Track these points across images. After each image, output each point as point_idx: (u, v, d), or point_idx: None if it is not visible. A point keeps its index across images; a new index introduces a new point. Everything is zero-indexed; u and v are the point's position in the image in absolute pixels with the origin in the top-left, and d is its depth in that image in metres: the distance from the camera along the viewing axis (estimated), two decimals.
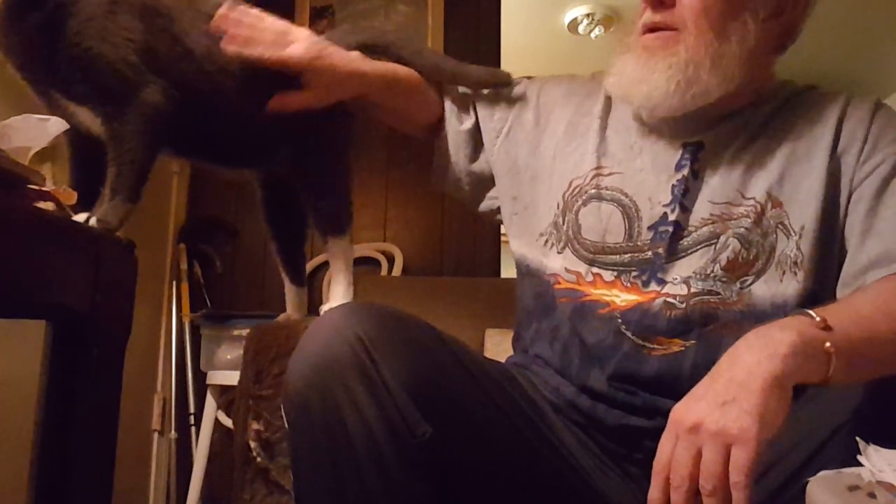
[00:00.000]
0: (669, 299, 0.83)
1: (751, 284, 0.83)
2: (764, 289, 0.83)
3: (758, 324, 0.73)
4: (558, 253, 0.92)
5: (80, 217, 0.84)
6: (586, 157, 0.95)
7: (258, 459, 1.08)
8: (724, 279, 0.83)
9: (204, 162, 1.14)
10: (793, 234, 0.83)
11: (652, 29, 0.88)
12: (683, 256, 0.85)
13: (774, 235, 0.84)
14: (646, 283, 0.85)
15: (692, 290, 0.83)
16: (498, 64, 2.49)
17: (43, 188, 0.73)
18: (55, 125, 0.82)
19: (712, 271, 0.83)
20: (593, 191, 0.92)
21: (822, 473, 0.57)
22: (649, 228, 0.87)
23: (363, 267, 2.25)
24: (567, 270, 0.90)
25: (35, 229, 0.69)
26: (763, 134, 0.89)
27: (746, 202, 0.85)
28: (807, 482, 0.57)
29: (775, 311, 0.81)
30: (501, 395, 0.80)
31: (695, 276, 0.84)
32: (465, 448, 0.74)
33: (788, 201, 0.85)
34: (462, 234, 2.34)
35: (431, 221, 2.40)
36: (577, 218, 0.92)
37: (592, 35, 3.36)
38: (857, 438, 0.59)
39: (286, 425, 0.73)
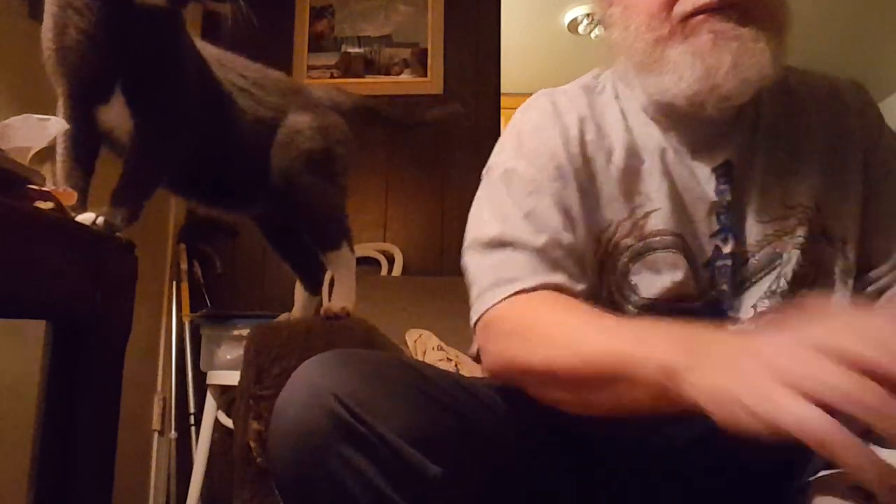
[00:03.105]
0: (741, 326, 0.77)
1: (799, 300, 0.77)
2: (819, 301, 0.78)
3: None
4: None
5: (87, 217, 0.85)
6: (607, 204, 0.81)
7: (258, 459, 1.08)
8: (789, 294, 0.77)
9: (201, 203, 1.21)
10: (836, 242, 0.79)
11: (714, 9, 0.75)
12: (750, 286, 0.78)
13: (821, 244, 0.79)
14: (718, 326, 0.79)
15: (759, 309, 0.77)
16: (498, 64, 2.49)
17: (43, 188, 0.73)
18: (55, 125, 0.82)
19: (778, 287, 0.77)
20: (640, 243, 0.79)
21: (822, 473, 0.57)
22: (705, 266, 0.79)
23: (363, 267, 2.25)
24: None
25: (35, 229, 0.69)
26: (781, 135, 0.83)
27: (794, 212, 0.79)
28: (807, 482, 0.57)
29: None
30: (491, 416, 0.75)
31: (762, 296, 0.78)
32: (481, 475, 0.70)
33: (826, 206, 0.80)
34: (462, 235, 2.34)
35: (431, 221, 2.40)
36: (627, 279, 0.79)
37: (592, 35, 3.37)
38: (857, 439, 0.59)
39: (281, 500, 0.68)
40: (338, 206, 1.17)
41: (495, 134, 2.47)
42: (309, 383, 0.65)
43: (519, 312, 0.73)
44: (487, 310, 0.75)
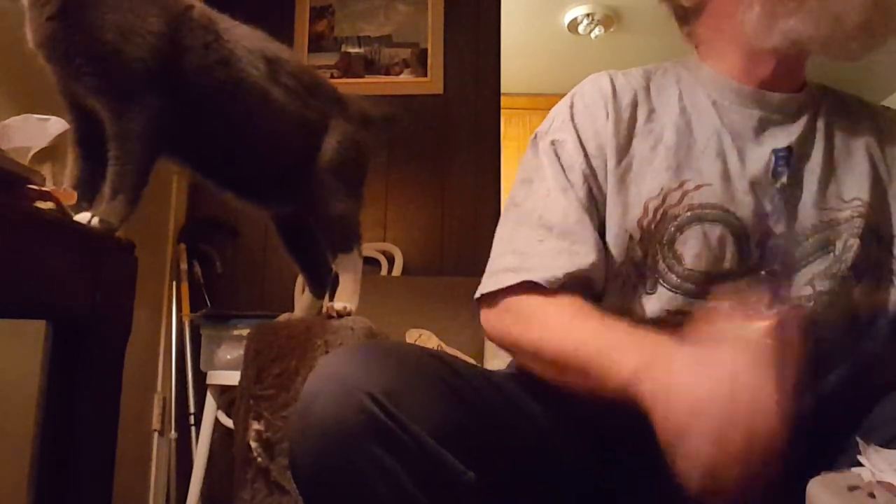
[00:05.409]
0: (796, 301, 0.78)
1: (854, 288, 0.79)
2: (863, 296, 0.79)
3: (862, 332, 0.75)
4: (648, 293, 0.80)
5: (83, 217, 0.85)
6: (655, 175, 0.82)
7: (259, 459, 1.08)
8: (849, 279, 0.78)
9: (235, 195, 1.20)
10: (885, 241, 0.81)
11: None
12: (801, 268, 0.79)
13: (873, 240, 0.80)
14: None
15: (818, 289, 0.78)
16: (498, 64, 2.50)
17: (43, 188, 0.73)
18: (55, 125, 0.82)
19: (838, 270, 0.78)
20: (688, 213, 0.79)
21: (822, 473, 0.57)
22: (757, 246, 0.79)
23: (363, 267, 2.25)
24: (670, 314, 0.78)
25: (35, 229, 0.69)
26: (835, 134, 0.85)
27: (849, 204, 0.81)
28: (807, 482, 0.57)
29: (877, 319, 0.78)
30: (523, 417, 0.76)
31: (819, 276, 0.78)
32: (514, 477, 0.71)
33: (874, 206, 0.82)
34: (462, 234, 2.34)
35: (431, 221, 2.40)
36: (672, 248, 0.79)
37: (592, 35, 3.36)
38: (858, 438, 0.60)
39: (299, 498, 0.66)
40: (355, 213, 1.22)
41: (495, 134, 2.48)
42: (339, 377, 0.63)
43: (522, 297, 0.79)
44: (498, 290, 0.80)
